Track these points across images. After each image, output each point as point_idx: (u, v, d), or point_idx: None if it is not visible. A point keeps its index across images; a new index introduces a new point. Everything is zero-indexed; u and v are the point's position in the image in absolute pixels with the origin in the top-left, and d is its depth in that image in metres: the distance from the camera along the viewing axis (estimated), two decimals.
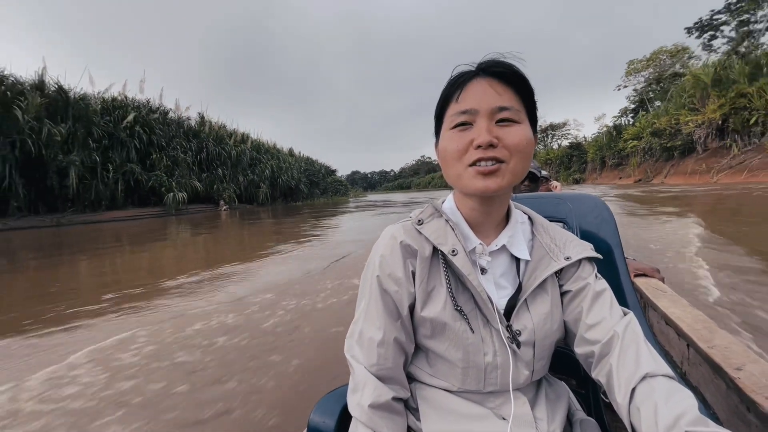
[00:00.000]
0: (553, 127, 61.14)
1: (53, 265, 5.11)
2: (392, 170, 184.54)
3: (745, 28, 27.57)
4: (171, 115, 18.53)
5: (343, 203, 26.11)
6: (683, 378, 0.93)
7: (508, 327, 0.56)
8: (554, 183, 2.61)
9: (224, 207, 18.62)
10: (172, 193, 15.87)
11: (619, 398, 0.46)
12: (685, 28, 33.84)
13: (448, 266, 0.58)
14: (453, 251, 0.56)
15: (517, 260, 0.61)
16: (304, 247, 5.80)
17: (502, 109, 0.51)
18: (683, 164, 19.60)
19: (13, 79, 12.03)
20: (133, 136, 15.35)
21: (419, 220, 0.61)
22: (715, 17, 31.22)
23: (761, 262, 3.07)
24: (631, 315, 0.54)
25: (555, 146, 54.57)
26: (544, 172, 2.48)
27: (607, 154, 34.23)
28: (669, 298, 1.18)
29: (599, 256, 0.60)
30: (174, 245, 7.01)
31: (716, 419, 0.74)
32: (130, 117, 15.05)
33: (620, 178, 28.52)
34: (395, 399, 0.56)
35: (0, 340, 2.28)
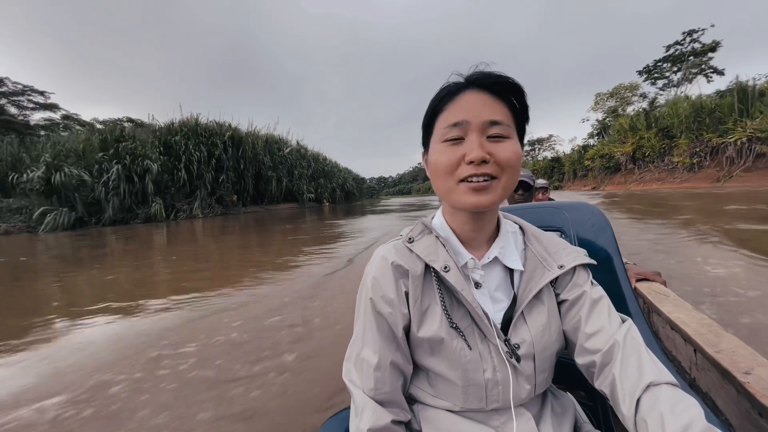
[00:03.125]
0: (539, 141, 72.42)
1: (327, 220, 15.26)
2: (390, 176, 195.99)
3: (661, 83, 39.27)
4: (293, 144, 28.92)
5: (380, 202, 36.53)
6: (693, 383, 0.90)
7: (506, 341, 0.55)
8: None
9: (326, 203, 28.97)
10: (305, 194, 26.20)
11: (624, 409, 0.45)
12: (637, 71, 45.38)
13: (441, 283, 0.57)
14: (445, 267, 0.55)
15: (511, 272, 0.60)
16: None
17: (493, 123, 0.50)
18: (614, 178, 30.76)
19: (246, 131, 22.39)
20: (286, 160, 25.69)
21: (410, 238, 0.61)
22: (658, 64, 42.93)
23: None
24: (629, 322, 0.53)
25: (540, 158, 65.27)
26: (541, 181, 2.53)
27: (577, 167, 45.25)
28: (672, 302, 1.14)
29: (593, 261, 0.59)
30: (344, 212, 16.56)
31: (728, 425, 0.73)
32: (287, 150, 25.42)
33: (584, 186, 39.64)
34: (395, 422, 0.54)
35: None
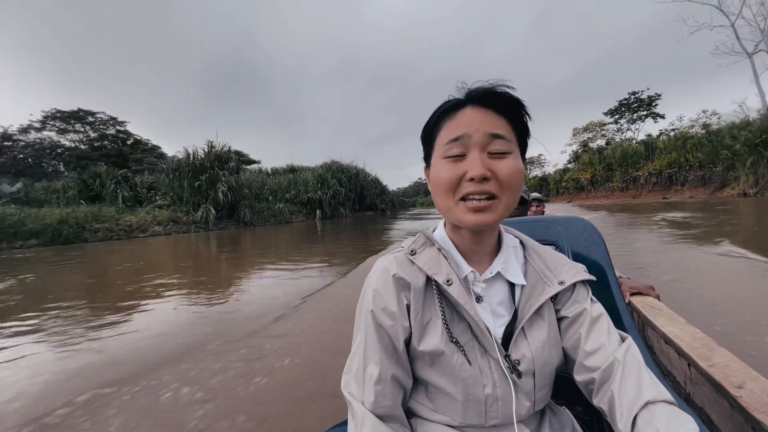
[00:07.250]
0: (530, 162, 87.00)
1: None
2: (392, 191, 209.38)
3: (618, 126, 54.61)
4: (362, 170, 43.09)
5: (408, 211, 50.96)
6: (688, 398, 0.91)
7: (507, 357, 0.55)
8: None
9: (388, 211, 42.90)
10: (379, 205, 40.13)
11: (621, 425, 0.46)
12: (603, 112, 60.59)
13: (443, 296, 0.57)
14: (448, 281, 0.55)
15: (512, 286, 0.60)
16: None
17: (495, 136, 0.51)
18: (581, 195, 45.53)
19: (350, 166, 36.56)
20: (369, 183, 39.71)
21: (412, 250, 0.60)
22: (617, 108, 58.22)
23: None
24: (629, 340, 0.54)
25: (531, 176, 79.44)
26: (535, 194, 2.63)
27: (558, 186, 60.06)
28: (666, 316, 1.15)
29: (592, 277, 0.60)
30: (405, 215, 31.70)
31: None
32: (370, 177, 39.53)
33: (563, 200, 54.38)
34: None
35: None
